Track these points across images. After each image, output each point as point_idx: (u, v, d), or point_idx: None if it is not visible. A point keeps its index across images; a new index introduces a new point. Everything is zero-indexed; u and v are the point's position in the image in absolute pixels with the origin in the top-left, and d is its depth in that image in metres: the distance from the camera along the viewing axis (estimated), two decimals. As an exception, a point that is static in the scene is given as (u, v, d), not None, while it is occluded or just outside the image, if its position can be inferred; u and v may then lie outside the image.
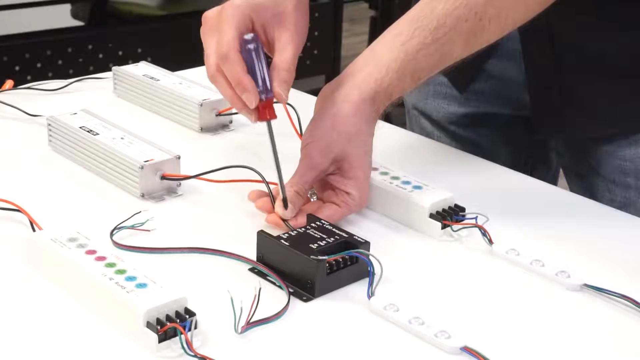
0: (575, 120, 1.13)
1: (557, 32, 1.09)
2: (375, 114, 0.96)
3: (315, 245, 0.85)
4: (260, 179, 0.96)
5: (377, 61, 0.96)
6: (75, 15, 3.01)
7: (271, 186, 0.95)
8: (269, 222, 0.93)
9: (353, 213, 0.96)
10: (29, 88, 1.32)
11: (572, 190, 1.19)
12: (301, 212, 0.93)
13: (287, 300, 0.82)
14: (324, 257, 0.83)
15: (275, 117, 0.93)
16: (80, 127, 1.08)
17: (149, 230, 0.93)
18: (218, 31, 0.92)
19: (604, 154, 1.13)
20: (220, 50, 0.91)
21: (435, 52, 0.95)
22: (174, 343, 0.74)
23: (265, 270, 0.86)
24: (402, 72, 0.95)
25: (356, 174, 0.94)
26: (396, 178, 1.00)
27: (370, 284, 0.83)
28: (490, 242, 0.92)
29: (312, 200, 0.98)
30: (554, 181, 1.30)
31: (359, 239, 0.87)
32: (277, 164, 0.92)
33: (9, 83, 1.31)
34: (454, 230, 0.95)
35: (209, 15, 0.95)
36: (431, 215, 0.95)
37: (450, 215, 0.95)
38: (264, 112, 0.92)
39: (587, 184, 1.17)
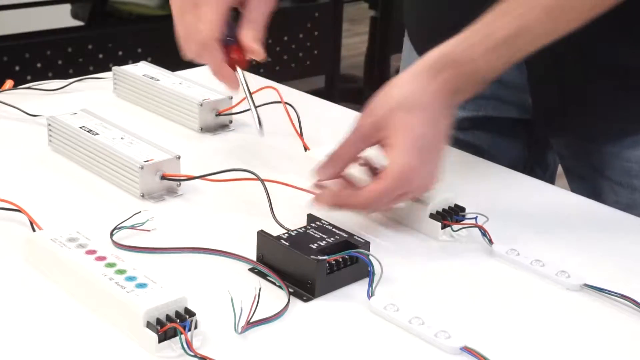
0: (577, 121, 1.13)
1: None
2: (436, 83, 0.89)
3: (315, 245, 0.85)
4: (260, 182, 0.96)
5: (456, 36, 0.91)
6: (75, 15, 3.00)
7: (268, 185, 0.95)
8: (313, 200, 0.92)
9: (401, 190, 0.90)
10: (29, 88, 1.32)
11: (573, 191, 1.19)
12: (342, 187, 0.91)
13: (287, 300, 0.82)
14: (324, 257, 0.83)
15: (244, 65, 0.93)
16: (80, 127, 1.08)
17: (149, 230, 0.93)
18: (197, 8, 0.91)
19: (609, 155, 1.13)
20: (198, 37, 0.91)
21: (513, 20, 0.89)
22: (174, 343, 0.74)
23: (265, 270, 0.86)
24: (473, 38, 0.89)
25: (397, 142, 0.88)
26: (396, 178, 1.00)
27: (370, 284, 0.83)
28: (490, 242, 0.92)
29: None
30: (551, 181, 1.30)
31: (359, 239, 0.87)
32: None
33: (9, 83, 1.31)
34: (454, 230, 0.95)
35: None
36: (431, 215, 0.95)
37: (450, 215, 0.95)
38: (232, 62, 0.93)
39: (591, 185, 1.17)
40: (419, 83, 0.89)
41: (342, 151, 0.92)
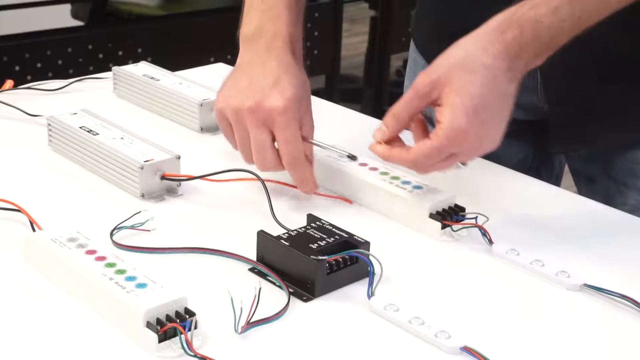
0: (597, 130, 1.12)
1: (572, 39, 1.08)
2: (500, 45, 0.87)
3: (315, 245, 0.85)
4: (260, 182, 0.96)
5: None
6: (75, 15, 3.00)
7: (268, 185, 0.96)
8: (370, 148, 0.93)
9: (454, 150, 0.89)
10: (29, 88, 1.32)
11: (581, 193, 1.19)
12: (397, 143, 0.92)
13: (287, 300, 0.82)
14: (324, 257, 0.83)
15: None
16: (80, 127, 1.08)
17: (149, 230, 0.93)
18: (278, 131, 0.95)
19: (616, 157, 1.13)
20: (291, 155, 0.96)
21: None
22: (174, 343, 0.74)
23: (265, 270, 0.86)
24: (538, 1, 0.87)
25: (452, 100, 0.86)
26: (396, 178, 1.00)
27: (370, 284, 0.83)
28: (490, 242, 0.92)
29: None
30: (557, 183, 1.30)
31: (359, 239, 0.87)
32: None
33: (9, 83, 1.31)
34: (454, 230, 0.95)
35: (255, 108, 0.95)
36: (431, 215, 0.95)
37: (450, 215, 0.95)
38: None
39: (598, 187, 1.16)
40: (481, 43, 0.88)
41: (399, 110, 0.92)
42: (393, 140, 0.93)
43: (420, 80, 0.89)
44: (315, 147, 1.00)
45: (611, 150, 1.13)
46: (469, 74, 0.87)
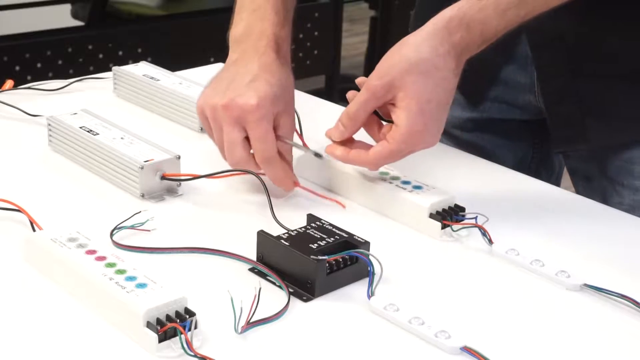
0: (597, 130, 1.12)
1: (570, 39, 1.09)
2: (449, 46, 0.90)
3: (315, 245, 0.85)
4: (260, 182, 0.96)
5: None
6: (75, 15, 3.00)
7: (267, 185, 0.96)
8: (327, 151, 0.96)
9: (408, 151, 0.94)
10: (29, 88, 1.32)
11: (578, 192, 1.19)
12: (352, 145, 0.95)
13: (287, 300, 0.82)
14: (324, 257, 0.83)
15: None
16: (80, 127, 1.08)
17: (149, 230, 0.93)
18: (250, 129, 0.96)
19: (613, 157, 1.13)
20: (263, 154, 0.96)
21: None
22: (174, 343, 0.74)
23: (265, 270, 0.86)
24: (485, 1, 0.90)
25: (407, 104, 0.90)
26: (396, 178, 1.00)
27: (370, 284, 0.83)
28: (490, 242, 0.92)
29: None
30: (557, 183, 1.30)
31: (359, 239, 0.87)
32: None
33: (9, 83, 1.31)
34: (454, 230, 0.95)
35: (229, 106, 0.96)
36: (431, 215, 0.95)
37: (450, 215, 0.95)
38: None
39: (595, 186, 1.16)
40: (431, 44, 0.90)
41: (356, 111, 0.94)
42: (348, 140, 0.97)
43: (376, 82, 0.91)
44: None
45: (607, 150, 1.13)
46: (423, 78, 0.90)
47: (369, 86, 0.92)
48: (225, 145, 0.98)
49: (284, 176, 0.99)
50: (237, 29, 1.04)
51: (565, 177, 1.28)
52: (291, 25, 1.05)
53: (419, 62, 0.90)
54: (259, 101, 0.95)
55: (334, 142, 0.97)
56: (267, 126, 0.96)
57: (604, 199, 1.13)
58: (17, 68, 2.66)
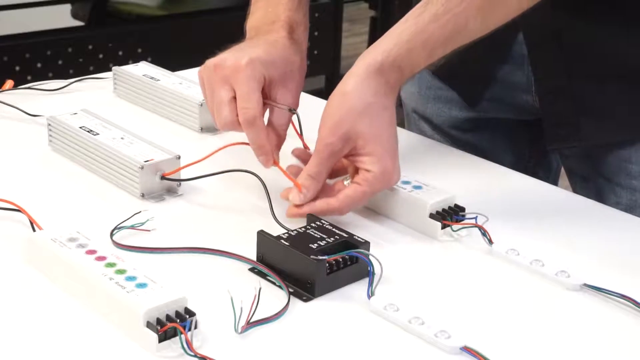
0: (590, 128, 1.12)
1: (566, 38, 1.09)
2: (386, 86, 0.93)
3: (315, 245, 0.85)
4: (259, 182, 0.96)
5: (389, 34, 0.94)
6: (75, 15, 3.00)
7: (268, 184, 0.95)
8: (288, 215, 0.94)
9: (381, 190, 0.95)
10: (29, 88, 1.32)
11: (575, 192, 1.19)
12: (324, 196, 0.94)
13: (287, 300, 0.82)
14: (324, 257, 0.83)
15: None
16: (80, 127, 1.08)
17: (149, 230, 0.93)
18: (237, 88, 0.95)
19: (609, 156, 1.13)
20: (246, 114, 0.95)
21: (448, 23, 0.92)
22: (174, 343, 0.74)
23: (265, 270, 0.86)
24: (413, 44, 0.93)
25: (373, 149, 0.92)
26: (396, 178, 1.00)
27: (370, 284, 0.83)
28: (490, 242, 0.92)
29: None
30: (554, 183, 1.30)
31: (359, 239, 0.87)
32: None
33: (9, 83, 1.31)
34: (454, 230, 0.95)
35: (219, 64, 0.96)
36: (431, 215, 0.95)
37: (450, 215, 0.95)
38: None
39: (592, 186, 1.17)
40: (372, 88, 0.92)
41: (317, 171, 0.94)
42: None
43: (332, 139, 0.92)
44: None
45: (602, 149, 1.13)
46: (375, 120, 0.92)
47: (326, 144, 0.92)
48: (215, 103, 0.97)
49: (265, 145, 0.97)
50: (253, 17, 1.04)
51: (563, 178, 1.28)
52: (307, 11, 1.05)
53: (367, 107, 0.92)
54: (249, 61, 0.95)
55: (300, 206, 0.94)
56: (253, 85, 0.95)
57: (601, 199, 1.13)
58: (17, 68, 2.66)
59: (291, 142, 1.05)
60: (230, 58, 0.96)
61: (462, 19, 0.93)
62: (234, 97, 0.96)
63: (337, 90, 0.94)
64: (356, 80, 0.93)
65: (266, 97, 0.98)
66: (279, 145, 1.00)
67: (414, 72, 0.95)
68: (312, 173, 0.93)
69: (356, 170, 0.95)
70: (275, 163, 0.98)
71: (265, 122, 0.99)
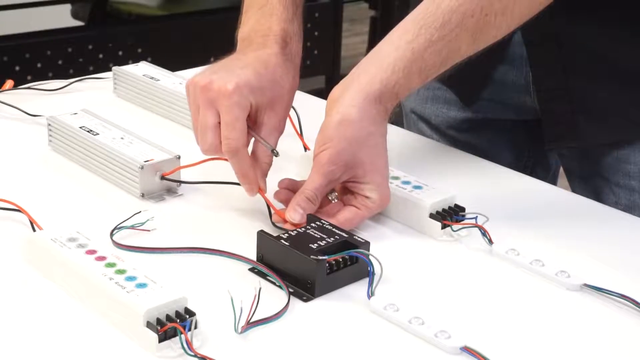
0: (588, 128, 1.12)
1: (564, 39, 1.09)
2: (384, 114, 0.95)
3: (315, 245, 0.85)
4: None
5: (382, 61, 0.95)
6: (75, 15, 3.00)
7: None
8: (275, 220, 0.94)
9: (374, 214, 0.96)
10: (29, 88, 1.32)
11: (574, 192, 1.19)
12: (320, 214, 0.94)
13: (287, 300, 0.82)
14: (324, 257, 0.83)
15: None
16: (80, 127, 1.08)
17: (149, 230, 0.93)
18: (222, 114, 0.93)
19: (608, 157, 1.13)
20: (229, 145, 0.93)
21: (443, 48, 0.94)
22: (174, 343, 0.74)
23: (265, 270, 0.86)
24: (409, 71, 0.94)
25: (373, 178, 0.94)
26: (396, 178, 1.00)
27: (370, 284, 0.83)
28: (490, 242, 0.92)
29: (333, 202, 0.97)
30: (553, 183, 1.30)
31: (359, 239, 0.87)
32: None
33: (9, 83, 1.31)
34: (454, 230, 0.95)
35: (206, 87, 0.94)
36: (431, 215, 0.95)
37: (450, 215, 0.95)
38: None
39: (591, 186, 1.17)
40: (372, 117, 0.94)
41: (315, 196, 0.93)
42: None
43: (331, 168, 0.93)
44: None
45: (600, 149, 1.13)
46: (375, 149, 0.94)
47: (326, 172, 0.93)
48: (199, 127, 0.95)
49: (249, 175, 0.96)
50: (245, 28, 1.02)
51: (562, 177, 1.28)
52: (301, 22, 1.05)
53: (367, 137, 0.93)
54: (236, 87, 0.93)
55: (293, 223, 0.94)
56: (238, 114, 0.93)
57: (600, 199, 1.13)
58: (17, 68, 2.66)
59: (291, 142, 1.06)
60: (217, 81, 0.94)
61: (456, 45, 0.94)
62: (219, 123, 0.94)
63: (337, 118, 0.93)
64: (357, 110, 0.93)
65: (252, 122, 0.96)
66: (264, 173, 0.98)
67: (410, 91, 0.97)
68: (309, 196, 0.93)
69: (348, 191, 0.95)
70: (260, 192, 0.96)
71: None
